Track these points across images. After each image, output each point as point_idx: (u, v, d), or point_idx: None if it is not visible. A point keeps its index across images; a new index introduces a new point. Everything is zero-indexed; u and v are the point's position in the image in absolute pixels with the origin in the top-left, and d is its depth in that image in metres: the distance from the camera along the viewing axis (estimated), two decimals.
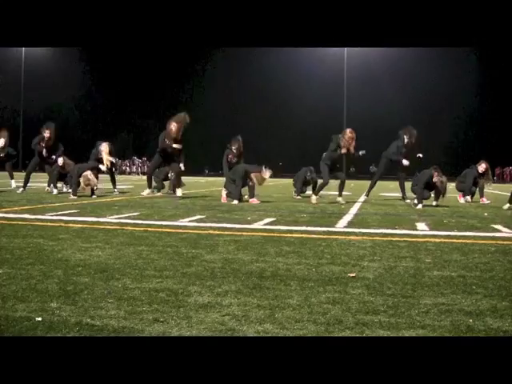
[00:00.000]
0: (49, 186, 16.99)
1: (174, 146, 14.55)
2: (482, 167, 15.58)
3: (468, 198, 15.54)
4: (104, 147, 16.00)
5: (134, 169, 65.31)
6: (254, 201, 13.61)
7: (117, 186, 17.29)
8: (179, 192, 14.61)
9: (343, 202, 14.15)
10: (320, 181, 14.76)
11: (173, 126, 14.51)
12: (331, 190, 17.55)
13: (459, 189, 16.18)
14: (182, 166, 14.73)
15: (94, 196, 14.51)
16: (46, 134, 16.28)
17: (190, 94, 71.90)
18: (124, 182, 26.85)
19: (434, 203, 13.43)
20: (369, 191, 15.97)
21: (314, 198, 13.94)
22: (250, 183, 13.86)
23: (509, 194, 13.22)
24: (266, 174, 13.67)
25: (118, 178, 18.30)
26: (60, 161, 16.57)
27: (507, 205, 13.03)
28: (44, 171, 17.05)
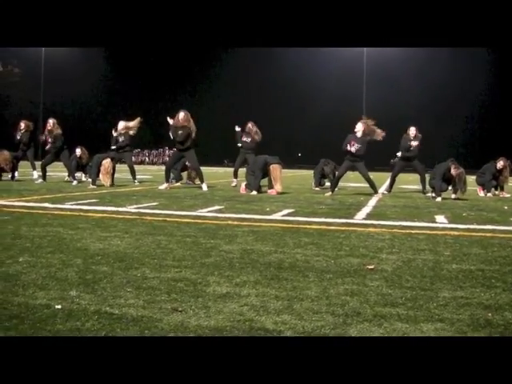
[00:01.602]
0: (69, 176, 17.17)
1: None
2: (500, 164, 15.41)
3: (490, 194, 15.42)
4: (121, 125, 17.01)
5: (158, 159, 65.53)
6: (273, 192, 13.57)
7: (137, 177, 17.45)
8: (204, 187, 14.63)
9: (385, 193, 15.25)
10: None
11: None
12: (350, 181, 17.53)
13: (479, 183, 16.07)
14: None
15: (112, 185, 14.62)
16: (48, 126, 16.97)
17: (210, 88, 72.04)
18: (144, 172, 26.93)
19: (453, 196, 13.34)
20: (390, 187, 15.88)
21: (327, 194, 13.88)
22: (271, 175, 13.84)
23: None
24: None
25: (137, 168, 18.45)
26: (78, 151, 16.69)
27: None
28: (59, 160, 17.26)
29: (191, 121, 14.77)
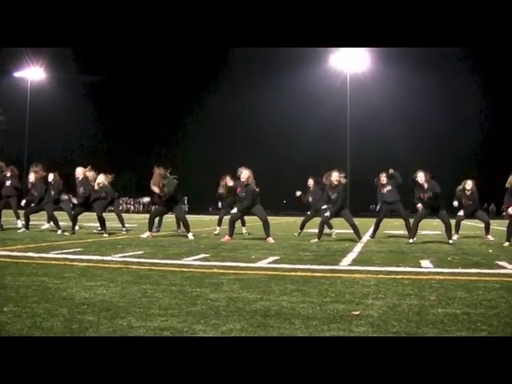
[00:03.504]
0: (48, 222, 17.30)
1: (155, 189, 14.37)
2: (468, 185, 15.72)
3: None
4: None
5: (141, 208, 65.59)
6: (270, 240, 13.67)
7: (125, 225, 17.39)
8: (190, 236, 14.52)
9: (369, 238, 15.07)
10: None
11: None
12: (335, 227, 17.57)
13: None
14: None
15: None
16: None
17: (193, 136, 72.58)
18: (128, 221, 26.84)
19: (451, 241, 13.49)
20: (374, 232, 15.92)
21: (313, 241, 13.95)
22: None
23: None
24: None
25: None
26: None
27: (506, 243, 13.03)
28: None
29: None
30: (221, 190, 17.11)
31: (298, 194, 17.21)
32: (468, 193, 15.79)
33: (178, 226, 17.16)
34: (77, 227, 16.36)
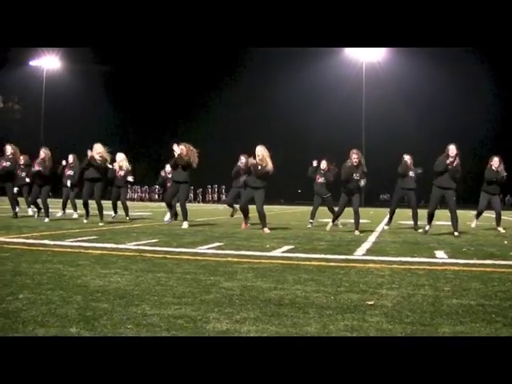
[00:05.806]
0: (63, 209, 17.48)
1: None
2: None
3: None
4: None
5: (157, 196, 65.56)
6: (266, 230, 13.37)
7: (129, 214, 17.31)
8: (185, 224, 14.27)
9: (357, 234, 13.47)
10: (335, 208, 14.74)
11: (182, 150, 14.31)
12: (351, 217, 17.51)
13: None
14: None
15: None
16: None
17: (205, 124, 72.46)
18: (143, 209, 26.93)
19: (456, 234, 13.30)
20: (389, 221, 15.81)
21: (328, 226, 13.89)
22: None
23: None
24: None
25: (134, 204, 18.24)
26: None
27: None
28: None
29: (193, 151, 14.52)
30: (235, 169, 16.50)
31: (315, 163, 16.41)
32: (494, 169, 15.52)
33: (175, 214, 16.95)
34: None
